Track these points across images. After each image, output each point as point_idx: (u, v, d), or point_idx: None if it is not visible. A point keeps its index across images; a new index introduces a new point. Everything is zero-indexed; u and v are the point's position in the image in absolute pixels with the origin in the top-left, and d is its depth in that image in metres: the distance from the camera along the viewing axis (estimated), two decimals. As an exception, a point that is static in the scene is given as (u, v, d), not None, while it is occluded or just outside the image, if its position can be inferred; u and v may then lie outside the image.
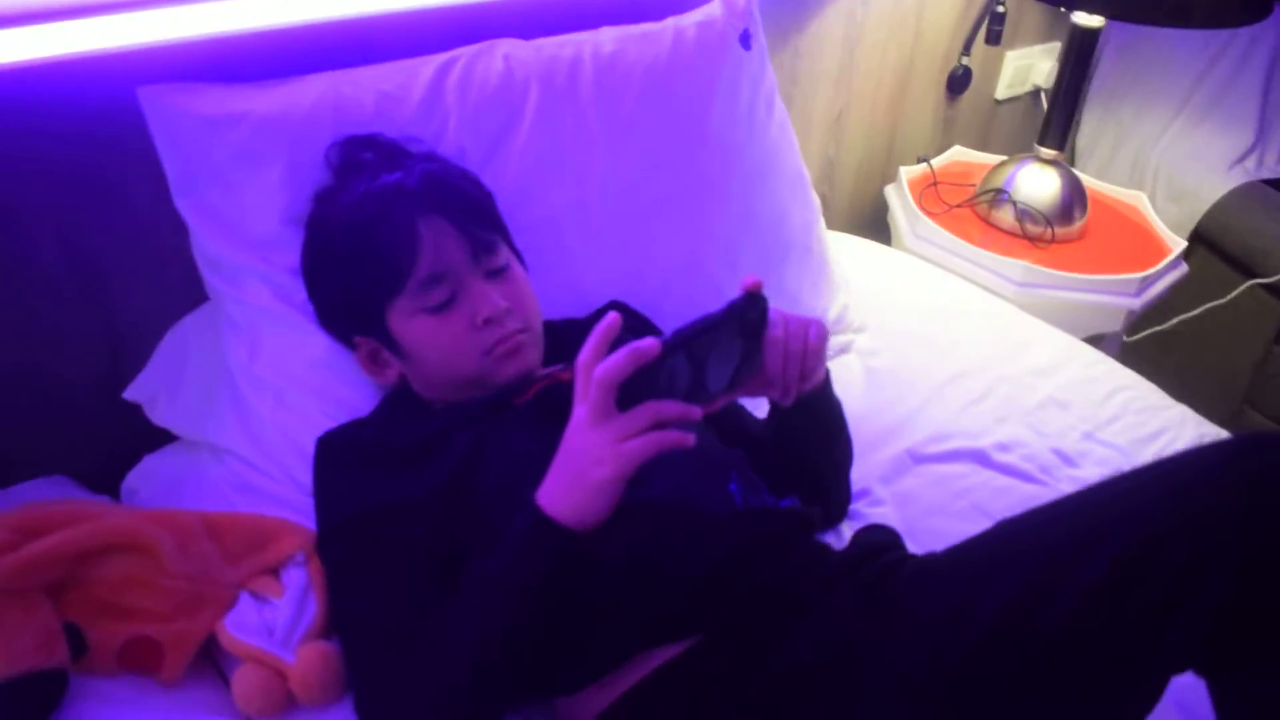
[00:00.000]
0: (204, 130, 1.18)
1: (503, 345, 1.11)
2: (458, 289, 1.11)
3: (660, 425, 0.86)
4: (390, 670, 0.94)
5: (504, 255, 1.16)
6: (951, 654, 0.84)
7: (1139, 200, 2.03)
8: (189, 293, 1.30)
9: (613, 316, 0.89)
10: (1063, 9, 1.85)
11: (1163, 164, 2.25)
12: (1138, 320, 1.98)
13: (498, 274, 1.14)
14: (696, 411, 0.89)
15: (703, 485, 1.05)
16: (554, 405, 0.96)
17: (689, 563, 0.97)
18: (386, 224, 1.10)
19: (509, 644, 0.91)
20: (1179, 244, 1.90)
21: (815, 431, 1.14)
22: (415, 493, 1.03)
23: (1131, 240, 1.93)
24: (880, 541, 1.05)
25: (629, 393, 0.87)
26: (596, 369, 0.85)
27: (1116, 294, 1.76)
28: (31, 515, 1.02)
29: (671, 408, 0.87)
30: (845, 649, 0.90)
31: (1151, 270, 1.79)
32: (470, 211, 1.14)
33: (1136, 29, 2.41)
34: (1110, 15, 1.63)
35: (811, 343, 1.01)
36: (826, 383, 1.11)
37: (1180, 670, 0.84)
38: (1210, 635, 0.79)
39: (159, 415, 1.28)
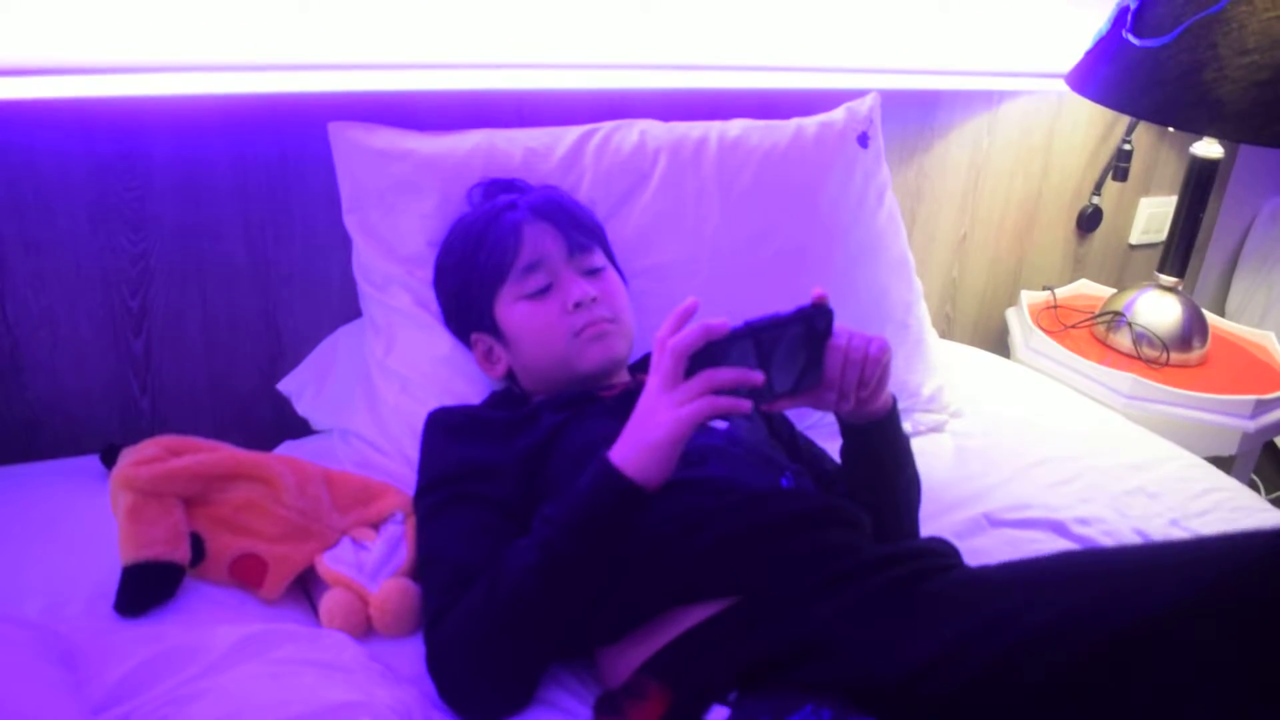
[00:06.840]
0: (375, 160, 1.40)
1: (590, 329, 1.24)
2: (554, 280, 1.26)
3: (719, 394, 0.96)
4: (453, 600, 1.04)
5: (600, 259, 1.30)
6: (971, 659, 0.86)
7: (1267, 339, 2.02)
8: (342, 309, 1.51)
9: (692, 299, 1.00)
10: (1170, 127, 1.90)
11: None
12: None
13: (593, 273, 1.29)
14: (757, 376, 0.98)
15: (757, 474, 1.13)
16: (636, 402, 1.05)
17: (730, 523, 1.04)
18: (498, 225, 1.27)
19: (555, 577, 0.98)
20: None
21: (878, 457, 1.19)
22: (503, 459, 1.15)
23: (1253, 372, 1.91)
24: (931, 548, 1.09)
25: (697, 366, 0.97)
26: (670, 340, 0.97)
27: (1229, 415, 1.73)
28: (181, 441, 1.19)
29: (728, 374, 0.96)
30: (869, 624, 0.94)
31: (1271, 395, 1.76)
32: (573, 221, 1.30)
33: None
34: (1232, 139, 1.69)
35: (872, 353, 1.09)
36: (893, 412, 1.18)
37: None
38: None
39: (303, 407, 1.47)
